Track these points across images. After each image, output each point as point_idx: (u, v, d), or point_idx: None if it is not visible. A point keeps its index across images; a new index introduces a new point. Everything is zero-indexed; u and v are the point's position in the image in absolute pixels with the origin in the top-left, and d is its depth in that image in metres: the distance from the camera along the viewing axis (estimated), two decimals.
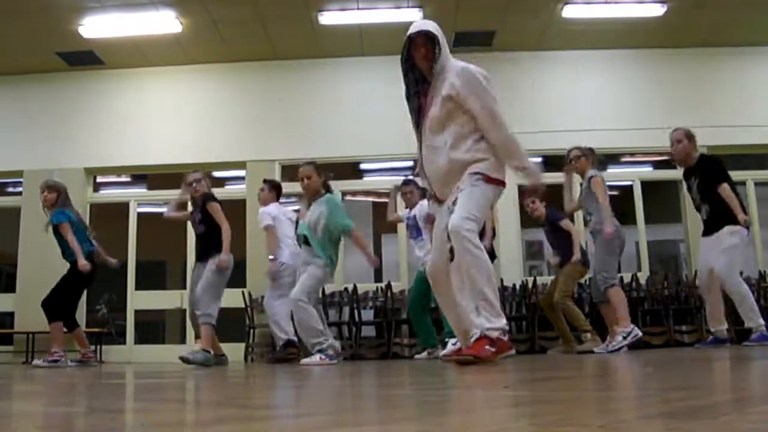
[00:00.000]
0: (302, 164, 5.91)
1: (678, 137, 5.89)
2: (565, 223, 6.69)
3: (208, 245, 6.09)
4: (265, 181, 7.02)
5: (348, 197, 9.77)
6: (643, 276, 8.72)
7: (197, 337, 6.22)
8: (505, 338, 3.50)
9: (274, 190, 6.93)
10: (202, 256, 6.21)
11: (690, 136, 5.88)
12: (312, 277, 5.56)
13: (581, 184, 6.14)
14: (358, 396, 1.88)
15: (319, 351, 5.33)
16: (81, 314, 9.43)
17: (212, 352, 5.93)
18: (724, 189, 5.68)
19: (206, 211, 6.14)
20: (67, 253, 6.45)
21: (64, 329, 6.48)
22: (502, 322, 3.48)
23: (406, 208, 6.75)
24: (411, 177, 6.92)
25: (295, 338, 6.35)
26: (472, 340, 3.44)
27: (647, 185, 9.52)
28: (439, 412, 1.28)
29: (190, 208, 6.57)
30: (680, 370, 2.54)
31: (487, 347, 3.34)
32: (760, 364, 2.77)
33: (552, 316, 6.64)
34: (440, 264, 3.77)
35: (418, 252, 6.59)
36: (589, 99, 9.49)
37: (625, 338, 5.65)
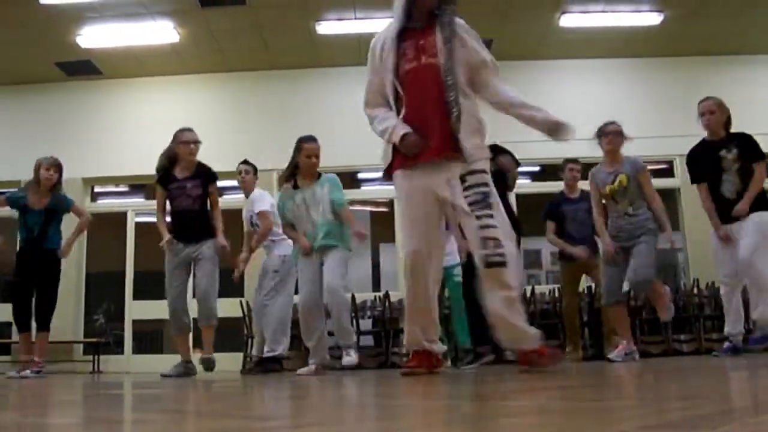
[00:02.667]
0: (315, 142, 5.52)
1: (711, 108, 5.46)
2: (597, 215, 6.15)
3: (206, 224, 5.58)
4: (247, 162, 6.54)
5: None
6: None
7: (195, 346, 5.98)
8: None
9: (256, 176, 6.52)
10: (194, 238, 5.52)
11: (722, 107, 5.48)
12: (342, 263, 5.22)
13: (623, 178, 5.46)
14: (358, 406, 1.88)
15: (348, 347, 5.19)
16: (78, 324, 9.43)
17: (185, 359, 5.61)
18: (763, 168, 5.29)
19: (206, 186, 5.61)
20: (50, 240, 6.14)
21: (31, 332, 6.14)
22: None
23: None
24: None
25: (286, 353, 6.12)
26: (532, 348, 3.37)
27: None
28: (438, 423, 1.28)
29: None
30: (680, 380, 2.53)
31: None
32: (760, 373, 2.77)
33: (572, 320, 6.55)
34: (425, 250, 3.50)
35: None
36: (587, 108, 9.50)
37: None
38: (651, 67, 9.67)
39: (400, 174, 3.56)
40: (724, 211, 5.38)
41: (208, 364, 5.50)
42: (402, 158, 3.52)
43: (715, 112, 5.45)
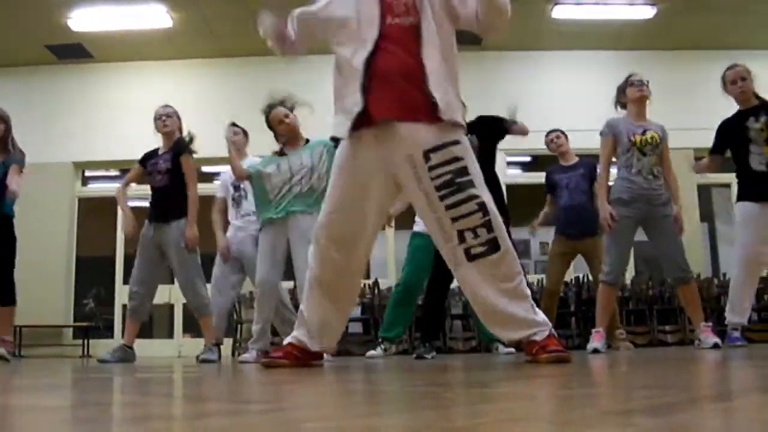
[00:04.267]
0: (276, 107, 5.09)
1: (742, 74, 5.06)
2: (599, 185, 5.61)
3: (173, 203, 5.27)
4: (235, 125, 6.06)
5: None
6: (628, 276, 8.80)
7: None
8: None
9: (246, 137, 6.07)
10: (162, 217, 5.26)
11: (751, 74, 5.08)
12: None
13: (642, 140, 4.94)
14: (341, 392, 1.93)
15: None
16: (68, 308, 9.45)
17: (129, 344, 5.36)
18: None
19: (177, 161, 5.32)
20: (4, 202, 5.32)
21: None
22: None
23: None
24: None
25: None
26: (543, 336, 2.86)
27: None
28: (417, 408, 1.33)
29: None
30: (657, 369, 2.59)
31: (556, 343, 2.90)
32: (736, 364, 2.84)
33: (552, 304, 6.01)
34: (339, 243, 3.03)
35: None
36: (579, 99, 9.56)
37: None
38: (644, 61, 9.68)
39: (354, 138, 3.02)
40: (755, 186, 4.93)
41: (209, 357, 5.23)
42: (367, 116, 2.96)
43: (747, 78, 5.04)
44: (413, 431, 0.97)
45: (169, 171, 5.31)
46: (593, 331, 5.08)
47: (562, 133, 6.31)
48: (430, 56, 2.94)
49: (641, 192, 4.87)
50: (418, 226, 5.58)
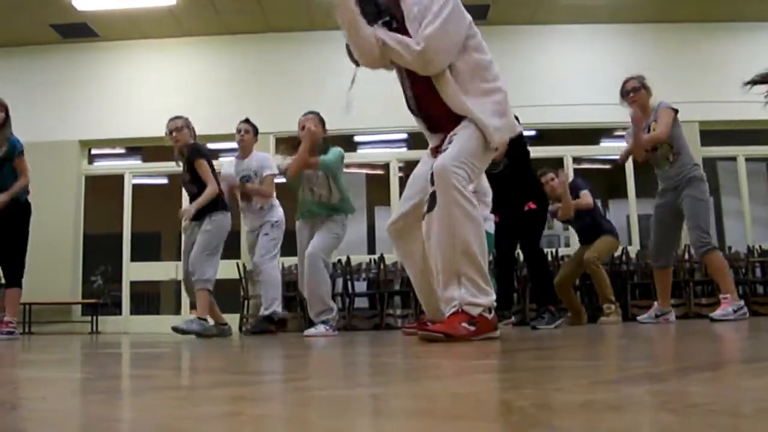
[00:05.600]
0: (305, 113, 5.58)
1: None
2: (584, 194, 6.22)
3: (205, 206, 5.57)
4: (248, 121, 6.34)
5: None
6: (633, 250, 8.85)
7: (192, 306, 5.93)
8: (491, 316, 2.90)
9: (256, 137, 6.37)
10: (196, 217, 5.63)
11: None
12: (332, 234, 5.21)
13: (650, 126, 5.28)
14: (346, 364, 1.98)
15: (323, 322, 5.05)
16: (77, 285, 9.55)
17: (212, 320, 5.60)
18: None
19: (194, 168, 5.61)
20: (6, 188, 5.62)
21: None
22: (489, 298, 2.88)
23: None
24: None
25: (285, 312, 6.15)
26: (449, 313, 2.87)
27: None
28: (418, 378, 1.38)
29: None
30: (656, 343, 2.64)
31: (464, 324, 2.80)
32: (732, 337, 2.88)
33: (566, 296, 6.33)
34: (411, 221, 3.29)
35: None
36: (582, 73, 9.54)
37: (735, 311, 4.96)
38: (647, 34, 9.66)
39: None
40: None
41: (187, 327, 5.37)
42: None
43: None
44: (415, 398, 1.02)
45: (192, 181, 5.65)
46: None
47: (555, 174, 6.30)
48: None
49: (666, 183, 5.26)
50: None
